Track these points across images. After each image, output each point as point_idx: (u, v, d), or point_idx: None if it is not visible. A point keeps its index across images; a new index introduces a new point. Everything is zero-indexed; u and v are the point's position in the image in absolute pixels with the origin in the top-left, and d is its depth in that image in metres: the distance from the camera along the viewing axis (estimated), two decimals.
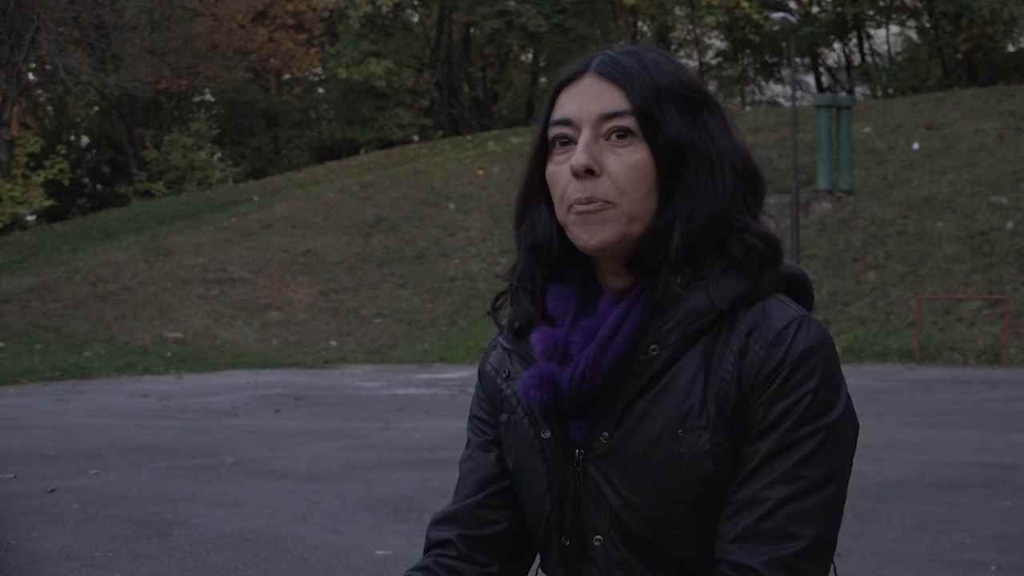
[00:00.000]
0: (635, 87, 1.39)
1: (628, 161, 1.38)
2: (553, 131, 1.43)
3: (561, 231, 1.44)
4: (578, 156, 1.38)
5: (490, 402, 1.55)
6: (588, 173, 1.38)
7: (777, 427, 1.35)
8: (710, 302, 1.37)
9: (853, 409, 1.40)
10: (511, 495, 1.53)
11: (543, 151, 1.45)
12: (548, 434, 1.45)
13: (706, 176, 1.40)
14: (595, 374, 1.39)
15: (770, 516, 1.33)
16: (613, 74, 1.40)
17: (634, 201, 1.38)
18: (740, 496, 1.36)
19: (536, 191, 1.48)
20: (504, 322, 1.53)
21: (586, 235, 1.38)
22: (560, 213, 1.42)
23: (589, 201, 1.37)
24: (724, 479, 1.37)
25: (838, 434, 1.36)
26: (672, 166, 1.39)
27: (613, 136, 1.39)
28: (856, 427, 1.40)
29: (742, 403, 1.37)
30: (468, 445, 1.59)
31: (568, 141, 1.41)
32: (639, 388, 1.39)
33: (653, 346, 1.39)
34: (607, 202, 1.37)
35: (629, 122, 1.38)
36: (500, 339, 1.54)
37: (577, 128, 1.40)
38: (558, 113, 1.43)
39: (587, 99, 1.40)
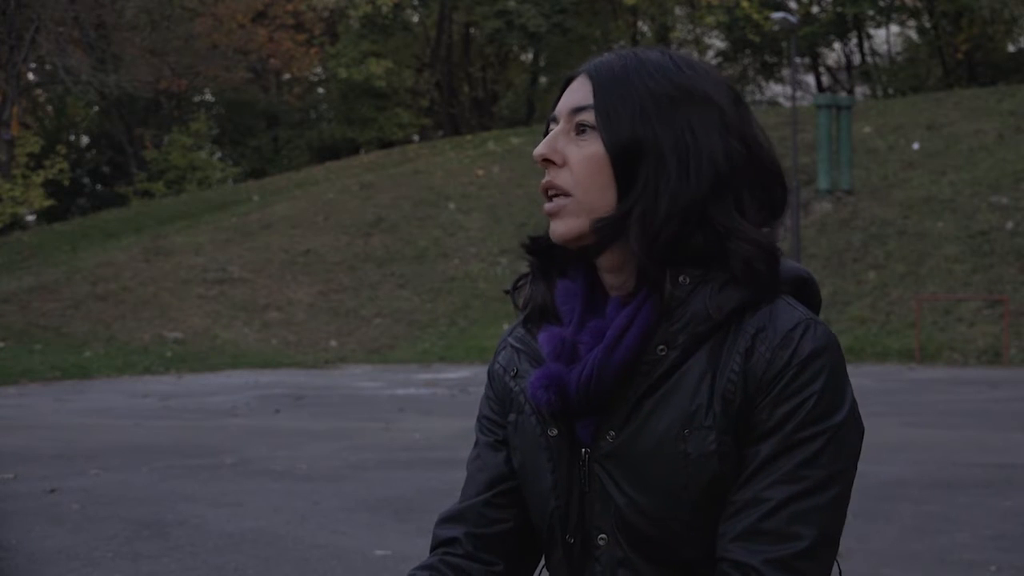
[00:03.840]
0: (602, 83, 1.42)
1: (584, 153, 1.41)
2: (549, 127, 1.48)
3: None
4: (538, 147, 1.44)
5: (499, 402, 1.56)
6: (548, 163, 1.42)
7: (781, 428, 1.35)
8: (707, 312, 1.39)
9: (859, 412, 1.40)
10: (518, 495, 1.53)
11: None
12: (555, 432, 1.46)
13: (668, 171, 1.39)
14: (603, 376, 1.39)
15: (772, 516, 1.33)
16: (592, 72, 1.44)
17: (588, 191, 1.40)
18: (742, 496, 1.36)
19: None
20: (520, 302, 1.55)
21: (551, 227, 1.44)
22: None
23: (548, 187, 1.43)
24: (730, 479, 1.37)
25: (842, 436, 1.36)
26: (629, 161, 1.40)
27: (578, 129, 1.43)
28: (861, 431, 1.40)
29: (747, 404, 1.37)
30: (476, 445, 1.60)
31: None
32: (646, 388, 1.40)
33: (661, 347, 1.39)
34: (564, 194, 1.41)
35: (590, 116, 1.42)
36: (510, 339, 1.56)
37: (558, 123, 1.45)
38: (554, 110, 1.48)
39: (569, 95, 1.45)
